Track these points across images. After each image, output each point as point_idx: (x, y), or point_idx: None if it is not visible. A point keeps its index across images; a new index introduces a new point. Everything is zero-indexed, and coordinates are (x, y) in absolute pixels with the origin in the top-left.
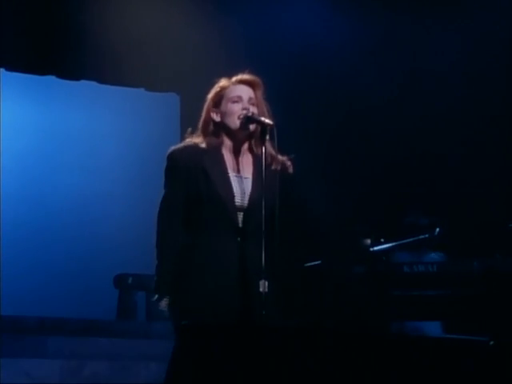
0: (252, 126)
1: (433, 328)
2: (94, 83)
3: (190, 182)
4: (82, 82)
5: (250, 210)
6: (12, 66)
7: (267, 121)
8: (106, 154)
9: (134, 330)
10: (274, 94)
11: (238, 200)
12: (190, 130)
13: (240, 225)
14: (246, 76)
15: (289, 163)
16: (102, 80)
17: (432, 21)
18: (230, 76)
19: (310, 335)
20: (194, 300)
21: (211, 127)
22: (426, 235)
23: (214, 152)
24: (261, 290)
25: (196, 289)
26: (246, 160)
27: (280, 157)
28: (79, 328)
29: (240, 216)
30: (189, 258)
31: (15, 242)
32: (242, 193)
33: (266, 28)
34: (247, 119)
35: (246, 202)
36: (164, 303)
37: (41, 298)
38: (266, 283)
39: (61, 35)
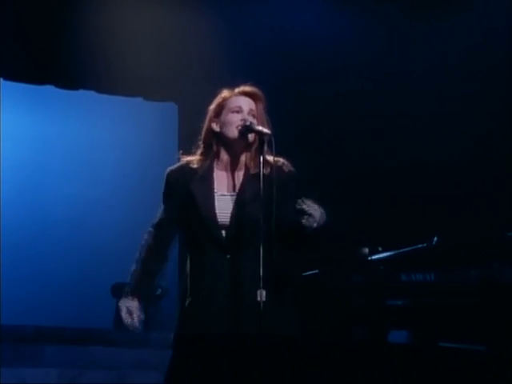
0: (250, 136)
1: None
2: (92, 92)
3: (180, 205)
4: (80, 91)
5: (235, 226)
6: (10, 76)
7: (265, 130)
8: (104, 163)
9: (131, 339)
10: (272, 101)
11: (221, 218)
12: (181, 152)
13: (225, 242)
14: (247, 88)
15: (285, 163)
16: (100, 89)
17: (432, 20)
18: (229, 86)
19: (307, 345)
20: (189, 315)
21: (211, 138)
22: (424, 244)
23: (205, 171)
24: (258, 299)
25: (191, 305)
26: (238, 176)
27: (278, 160)
28: (76, 337)
29: (224, 233)
30: (187, 276)
31: (13, 250)
32: (228, 210)
33: (265, 35)
34: (246, 128)
35: (227, 220)
36: (126, 305)
37: (38, 307)
38: (264, 292)
39: (59, 45)
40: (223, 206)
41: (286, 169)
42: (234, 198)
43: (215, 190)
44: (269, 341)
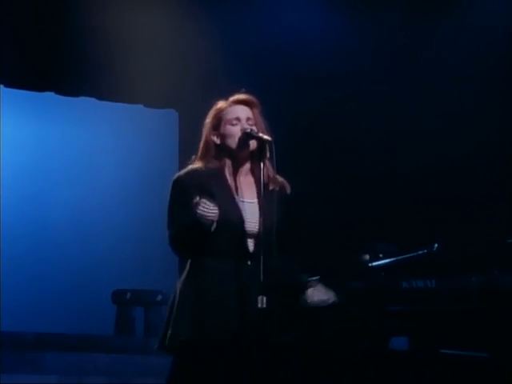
0: (252, 143)
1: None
2: (92, 99)
3: None
4: (81, 98)
5: (260, 234)
6: (11, 83)
7: (265, 137)
8: (105, 170)
9: (132, 346)
10: (271, 108)
11: (246, 225)
12: (194, 157)
13: (250, 249)
14: (242, 96)
15: (286, 184)
16: (100, 96)
17: (431, 22)
18: (228, 95)
19: (308, 352)
20: (198, 321)
21: (212, 150)
22: (425, 251)
23: (219, 176)
24: (259, 305)
25: (202, 311)
26: (248, 183)
27: (278, 177)
28: (77, 343)
29: (249, 241)
30: (194, 280)
31: (13, 256)
32: (248, 217)
33: (264, 41)
34: (246, 135)
35: (254, 226)
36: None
37: (39, 314)
38: (265, 299)
39: (59, 52)
40: (248, 212)
41: (287, 190)
42: (256, 205)
43: (235, 195)
44: (270, 348)
